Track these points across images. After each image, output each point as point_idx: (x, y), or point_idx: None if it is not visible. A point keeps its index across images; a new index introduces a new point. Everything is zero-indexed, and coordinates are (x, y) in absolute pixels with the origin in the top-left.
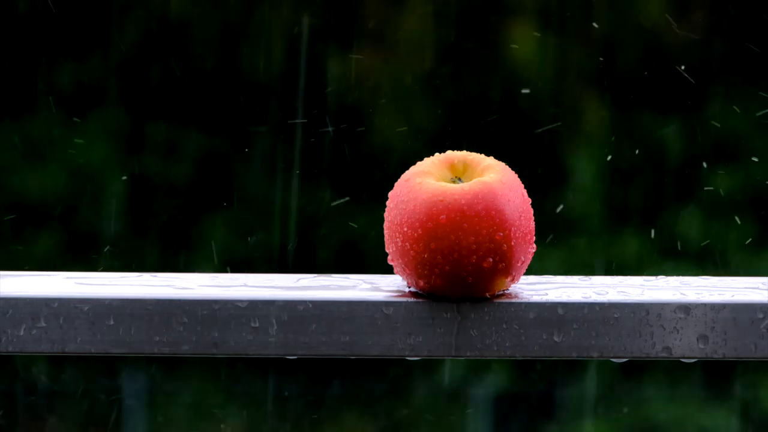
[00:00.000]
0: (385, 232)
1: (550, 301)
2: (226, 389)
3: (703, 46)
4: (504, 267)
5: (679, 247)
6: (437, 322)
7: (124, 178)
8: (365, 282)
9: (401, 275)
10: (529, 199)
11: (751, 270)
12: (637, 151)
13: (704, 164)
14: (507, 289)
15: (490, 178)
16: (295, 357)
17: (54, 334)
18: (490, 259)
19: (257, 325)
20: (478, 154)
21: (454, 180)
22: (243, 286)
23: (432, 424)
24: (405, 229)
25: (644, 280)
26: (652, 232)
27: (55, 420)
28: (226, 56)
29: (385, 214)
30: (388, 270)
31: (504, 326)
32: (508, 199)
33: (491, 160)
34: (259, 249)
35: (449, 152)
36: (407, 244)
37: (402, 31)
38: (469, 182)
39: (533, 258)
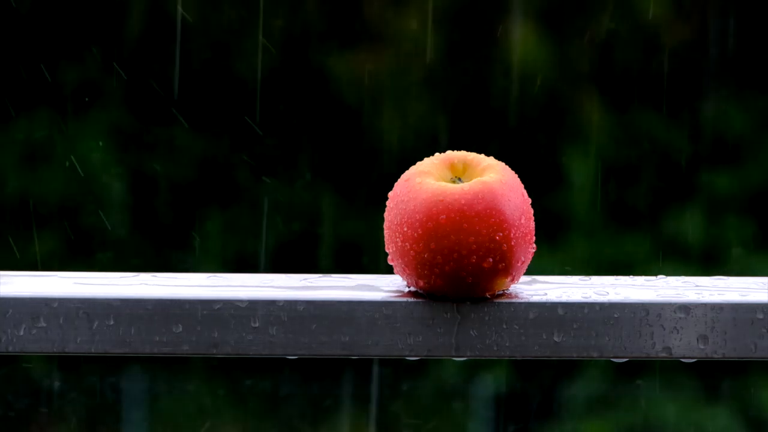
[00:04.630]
0: (385, 232)
1: (550, 301)
2: (225, 389)
3: (703, 46)
4: (504, 267)
5: (679, 247)
6: (437, 322)
7: (124, 177)
8: (365, 282)
9: (401, 275)
10: (529, 199)
11: (751, 270)
12: (636, 151)
13: (704, 164)
14: (507, 289)
15: (490, 178)
16: (295, 357)
17: (54, 334)
18: (490, 259)
19: (257, 325)
20: (478, 154)
21: (454, 180)
22: (243, 286)
23: (432, 424)
24: (405, 229)
25: (644, 280)
26: (652, 232)
27: (54, 419)
28: (225, 56)
29: (385, 214)
30: (388, 270)
31: (504, 326)
32: (508, 199)
33: (491, 159)
34: (259, 249)
35: (449, 152)
36: (407, 244)
37: (402, 30)
38: (469, 182)
39: (533, 258)
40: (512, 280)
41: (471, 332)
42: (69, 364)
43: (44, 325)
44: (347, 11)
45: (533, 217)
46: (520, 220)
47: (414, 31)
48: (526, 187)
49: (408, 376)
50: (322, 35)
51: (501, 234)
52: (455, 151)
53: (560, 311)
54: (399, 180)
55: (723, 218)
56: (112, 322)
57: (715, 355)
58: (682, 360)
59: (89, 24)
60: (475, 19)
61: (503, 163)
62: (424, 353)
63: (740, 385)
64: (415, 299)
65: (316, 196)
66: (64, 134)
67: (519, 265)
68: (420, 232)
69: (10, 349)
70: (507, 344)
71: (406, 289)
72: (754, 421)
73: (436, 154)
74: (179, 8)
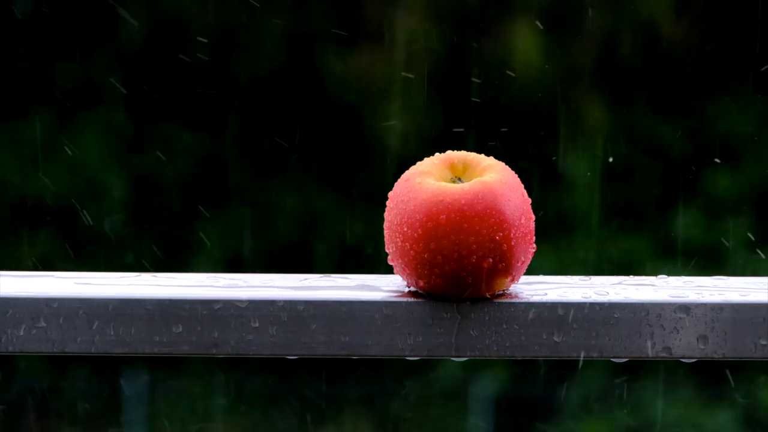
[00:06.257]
0: (385, 232)
1: (550, 301)
2: (225, 389)
3: (702, 46)
4: (504, 267)
5: (679, 247)
6: (437, 322)
7: (124, 177)
8: (365, 282)
9: (401, 275)
10: (529, 199)
11: (751, 270)
12: (636, 151)
13: (704, 164)
14: (507, 289)
15: (490, 178)
16: (295, 357)
17: (54, 334)
18: (490, 259)
19: (257, 325)
20: (478, 154)
21: (454, 180)
22: (243, 286)
23: (431, 424)
24: (405, 229)
25: (644, 280)
26: (652, 231)
27: (54, 419)
28: (225, 55)
29: (385, 214)
30: (388, 270)
31: (504, 326)
32: (508, 199)
33: (491, 159)
34: (258, 249)
35: (449, 152)
36: (407, 244)
37: (402, 30)
38: (469, 182)
39: (533, 258)
40: (512, 280)
41: (471, 332)
42: (68, 363)
43: (44, 325)
44: (347, 11)
45: (533, 217)
46: (520, 220)
47: (414, 30)
48: (526, 187)
49: (408, 376)
50: (322, 35)
51: (501, 234)
52: (455, 151)
53: (560, 311)
54: (399, 180)
55: (723, 218)
56: (112, 322)
57: (715, 355)
58: (682, 360)
59: (89, 24)
60: (475, 18)
61: (503, 163)
62: (424, 353)
63: (740, 385)
64: (415, 299)
65: (316, 196)
66: (64, 134)
67: (519, 265)
68: (420, 232)
69: (10, 349)
70: (507, 344)
71: (406, 289)
72: (754, 421)
73: (436, 154)
74: (179, 7)
